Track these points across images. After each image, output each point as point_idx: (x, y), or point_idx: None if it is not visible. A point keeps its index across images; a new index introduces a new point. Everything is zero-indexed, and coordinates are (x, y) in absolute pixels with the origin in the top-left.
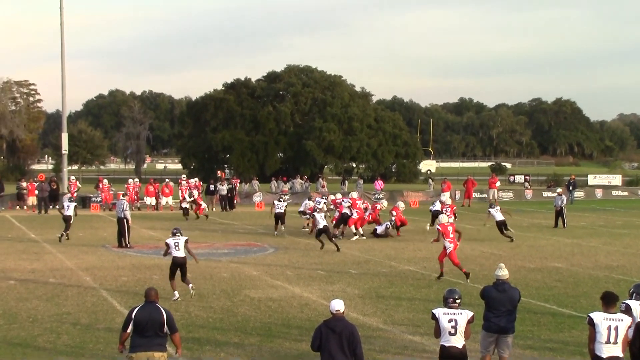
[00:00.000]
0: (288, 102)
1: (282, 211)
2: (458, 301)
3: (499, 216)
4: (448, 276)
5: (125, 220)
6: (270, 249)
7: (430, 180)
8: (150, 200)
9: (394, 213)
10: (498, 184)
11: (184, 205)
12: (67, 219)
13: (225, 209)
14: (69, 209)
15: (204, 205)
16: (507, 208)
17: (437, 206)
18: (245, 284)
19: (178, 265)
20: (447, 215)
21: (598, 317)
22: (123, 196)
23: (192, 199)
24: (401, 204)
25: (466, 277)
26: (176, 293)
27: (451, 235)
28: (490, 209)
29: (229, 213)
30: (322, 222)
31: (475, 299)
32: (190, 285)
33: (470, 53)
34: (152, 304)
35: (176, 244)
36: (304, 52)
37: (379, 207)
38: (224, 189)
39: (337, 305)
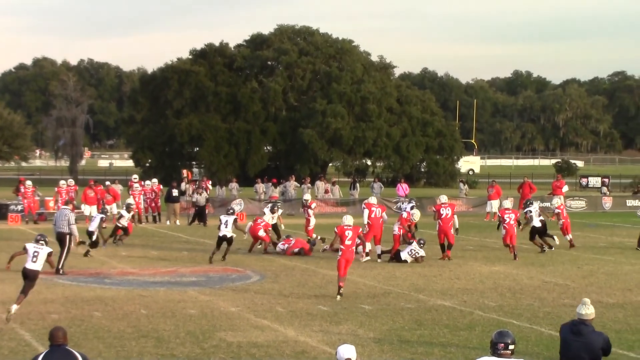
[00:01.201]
0: (279, 77)
1: (274, 224)
2: (511, 347)
3: (537, 221)
4: (497, 313)
5: (69, 237)
6: (254, 276)
7: (462, 184)
8: (90, 210)
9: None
10: (565, 188)
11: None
12: None
13: (200, 222)
14: None
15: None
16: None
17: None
18: (220, 324)
19: (27, 279)
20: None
21: None
22: (67, 204)
23: (130, 213)
24: (417, 214)
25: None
26: (14, 307)
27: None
28: (529, 209)
29: (199, 228)
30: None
31: (534, 345)
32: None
33: (528, 10)
34: (60, 348)
35: (35, 254)
36: (300, 8)
37: (406, 216)
38: (202, 198)
39: (347, 352)
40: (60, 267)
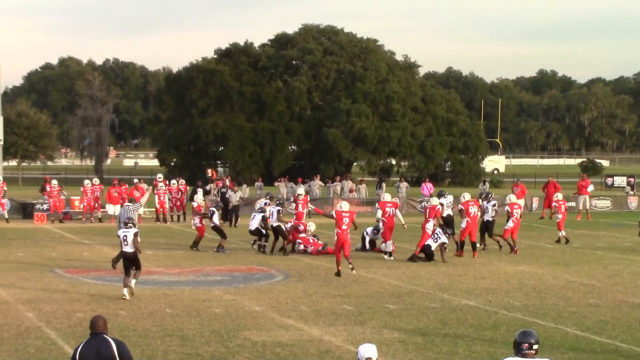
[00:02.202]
0: (304, 76)
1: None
2: (535, 347)
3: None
4: (522, 313)
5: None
6: (278, 275)
7: (483, 184)
8: (114, 209)
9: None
10: (591, 188)
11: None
12: None
13: (226, 221)
14: None
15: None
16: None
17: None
18: (245, 323)
19: (127, 261)
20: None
21: None
22: (130, 202)
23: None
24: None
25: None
26: (126, 290)
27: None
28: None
29: (225, 228)
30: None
31: (559, 345)
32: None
33: (553, 9)
34: (99, 336)
35: (125, 238)
36: (325, 7)
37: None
38: (235, 196)
39: (369, 351)
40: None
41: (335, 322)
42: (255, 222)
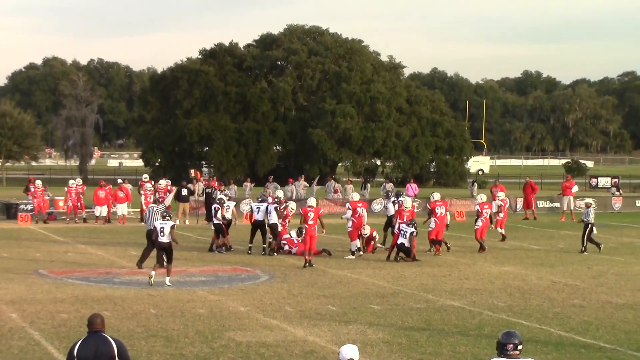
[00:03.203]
0: (289, 77)
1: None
2: (519, 348)
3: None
4: (506, 314)
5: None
6: (263, 275)
7: (472, 184)
8: (100, 210)
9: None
10: (575, 189)
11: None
12: None
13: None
14: None
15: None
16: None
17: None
18: (229, 323)
19: (163, 251)
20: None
21: None
22: (155, 202)
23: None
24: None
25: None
26: (152, 272)
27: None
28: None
29: (208, 228)
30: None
31: (543, 345)
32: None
33: (538, 10)
34: (97, 334)
35: (162, 229)
36: (310, 8)
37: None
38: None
39: (350, 352)
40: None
41: (319, 322)
42: (272, 217)
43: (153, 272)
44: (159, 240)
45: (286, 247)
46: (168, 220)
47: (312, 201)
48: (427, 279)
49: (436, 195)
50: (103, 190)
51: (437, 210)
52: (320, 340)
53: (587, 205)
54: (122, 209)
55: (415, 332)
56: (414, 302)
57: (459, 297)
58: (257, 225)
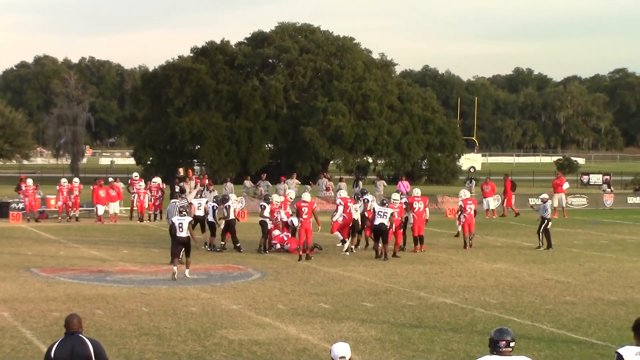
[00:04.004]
0: (280, 74)
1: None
2: (511, 345)
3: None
4: (498, 311)
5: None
6: (255, 273)
7: (469, 182)
8: (103, 209)
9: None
10: (566, 186)
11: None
12: None
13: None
14: None
15: None
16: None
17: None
18: (222, 321)
19: (182, 245)
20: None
21: (628, 352)
22: (176, 198)
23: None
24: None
25: None
26: (175, 268)
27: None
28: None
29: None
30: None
31: (535, 342)
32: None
33: (529, 7)
34: (74, 335)
35: (180, 225)
36: (301, 5)
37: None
38: (210, 196)
39: (342, 350)
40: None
41: (312, 320)
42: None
43: (175, 268)
44: (178, 235)
45: (277, 246)
46: (185, 215)
47: (306, 196)
48: (420, 276)
49: (416, 191)
50: (103, 190)
51: (414, 205)
52: (313, 337)
53: (544, 200)
54: (114, 207)
55: (408, 329)
56: (406, 299)
57: (452, 295)
58: (199, 220)
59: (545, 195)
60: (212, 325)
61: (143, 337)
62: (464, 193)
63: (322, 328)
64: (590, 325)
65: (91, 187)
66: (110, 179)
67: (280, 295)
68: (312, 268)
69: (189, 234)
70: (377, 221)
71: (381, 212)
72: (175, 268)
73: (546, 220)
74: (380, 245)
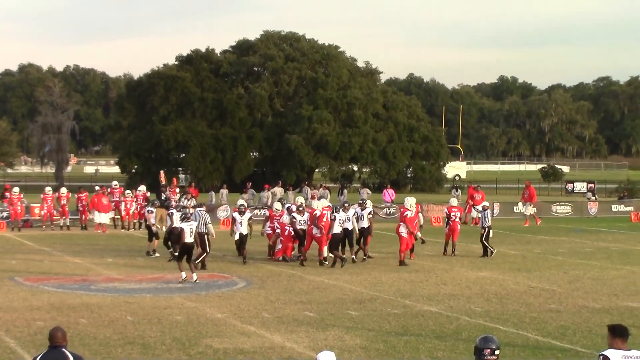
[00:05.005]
0: (265, 82)
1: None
2: (496, 353)
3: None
4: (483, 319)
5: (207, 236)
6: (240, 282)
7: (455, 190)
8: (100, 217)
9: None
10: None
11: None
12: None
13: None
14: None
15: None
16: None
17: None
18: (206, 330)
19: (187, 251)
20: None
21: (614, 355)
22: (200, 206)
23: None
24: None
25: None
26: (183, 274)
27: None
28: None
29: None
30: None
31: (520, 350)
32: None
33: (513, 16)
34: (57, 349)
35: (191, 230)
36: (287, 14)
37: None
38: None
39: (327, 359)
40: (198, 262)
41: (297, 328)
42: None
43: (183, 273)
44: (186, 241)
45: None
46: (190, 221)
47: (318, 203)
48: (405, 284)
49: (408, 200)
50: (105, 198)
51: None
52: (298, 346)
53: (484, 209)
54: (105, 217)
55: (393, 337)
56: (391, 307)
57: (437, 303)
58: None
59: (486, 204)
60: (197, 334)
61: (127, 346)
62: (451, 201)
63: (307, 336)
64: (575, 333)
65: (76, 195)
66: (97, 188)
67: (266, 303)
68: (297, 276)
69: (193, 240)
70: (337, 229)
71: (361, 215)
72: (183, 273)
73: (487, 229)
74: (337, 252)
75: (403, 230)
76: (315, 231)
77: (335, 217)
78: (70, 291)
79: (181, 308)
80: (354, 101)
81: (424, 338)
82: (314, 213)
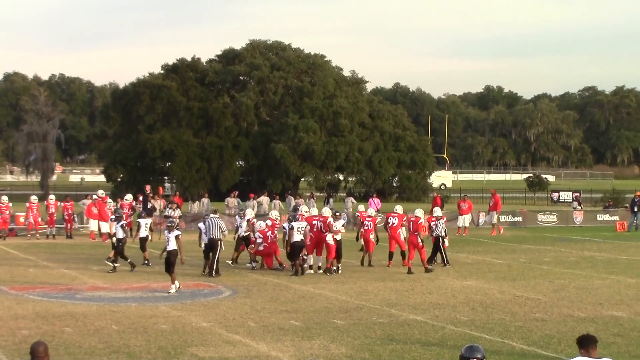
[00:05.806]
0: (251, 92)
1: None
2: None
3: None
4: (468, 328)
5: (220, 242)
6: (226, 291)
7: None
8: (98, 226)
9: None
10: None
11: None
12: None
13: None
14: None
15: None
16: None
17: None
18: (192, 339)
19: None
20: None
21: None
22: (215, 213)
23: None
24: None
25: None
26: (176, 284)
27: None
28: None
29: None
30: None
31: (506, 358)
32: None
33: (499, 25)
34: None
35: (168, 239)
36: (272, 23)
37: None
38: (175, 213)
39: None
40: (215, 269)
41: (282, 337)
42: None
43: (177, 282)
44: (168, 248)
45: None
46: (174, 230)
47: (326, 211)
48: (390, 293)
49: (396, 208)
50: (96, 207)
51: (389, 221)
52: (284, 355)
53: (437, 219)
54: (94, 224)
55: (379, 346)
56: (377, 316)
57: (422, 312)
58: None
59: (439, 214)
60: (183, 343)
61: (113, 354)
62: (435, 211)
63: (293, 345)
64: (560, 342)
65: (62, 204)
66: (86, 195)
67: (251, 312)
68: (283, 285)
69: (177, 248)
70: (297, 237)
71: (300, 228)
72: (177, 282)
73: (441, 239)
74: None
75: (418, 239)
76: (328, 238)
77: (293, 226)
78: (56, 300)
79: (167, 317)
80: (339, 110)
81: (410, 347)
82: (320, 220)
